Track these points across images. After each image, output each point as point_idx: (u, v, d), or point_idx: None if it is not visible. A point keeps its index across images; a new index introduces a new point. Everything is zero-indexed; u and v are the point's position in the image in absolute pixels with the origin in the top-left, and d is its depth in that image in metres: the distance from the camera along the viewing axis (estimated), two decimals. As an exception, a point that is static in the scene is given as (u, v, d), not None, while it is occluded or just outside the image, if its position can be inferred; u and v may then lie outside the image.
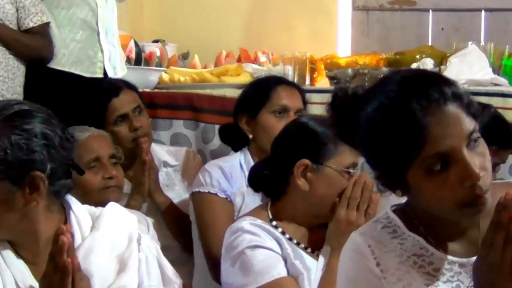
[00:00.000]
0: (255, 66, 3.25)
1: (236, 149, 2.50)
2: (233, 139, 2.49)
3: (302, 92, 2.47)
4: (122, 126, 2.48)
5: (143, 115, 2.55)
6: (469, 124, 1.19)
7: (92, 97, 2.54)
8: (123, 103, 2.50)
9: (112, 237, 1.45)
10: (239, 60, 3.42)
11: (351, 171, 1.82)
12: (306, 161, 1.83)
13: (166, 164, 2.64)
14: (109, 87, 2.55)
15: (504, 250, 1.12)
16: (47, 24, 2.71)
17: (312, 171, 1.83)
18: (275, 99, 2.37)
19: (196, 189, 2.38)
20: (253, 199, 2.21)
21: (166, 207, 2.51)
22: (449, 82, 1.22)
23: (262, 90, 2.41)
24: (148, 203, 2.52)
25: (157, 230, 2.31)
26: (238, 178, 2.36)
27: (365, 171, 1.83)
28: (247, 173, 2.29)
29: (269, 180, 1.91)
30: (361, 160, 1.33)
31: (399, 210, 1.32)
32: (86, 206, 1.51)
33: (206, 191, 2.35)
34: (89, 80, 2.77)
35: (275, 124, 2.32)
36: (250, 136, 2.42)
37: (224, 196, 2.35)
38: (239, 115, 2.43)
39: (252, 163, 2.36)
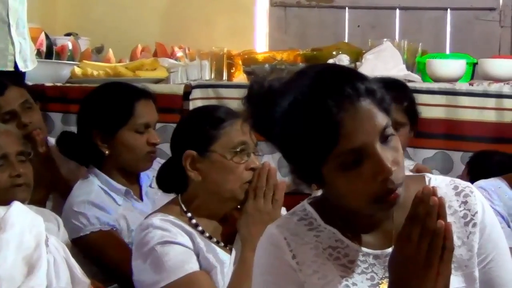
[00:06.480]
0: (171, 61, 3.23)
1: (85, 164, 2.36)
2: (82, 153, 2.34)
3: (155, 100, 2.35)
4: (10, 123, 2.35)
5: (34, 109, 2.46)
6: (381, 119, 1.19)
7: None
8: (9, 100, 2.39)
9: (19, 239, 1.41)
10: (155, 54, 3.38)
11: (237, 150, 1.81)
12: (191, 152, 1.83)
13: None
14: None
15: (420, 243, 1.14)
16: None
17: (200, 160, 1.83)
18: (136, 118, 2.25)
19: (76, 236, 2.19)
20: (138, 216, 2.13)
21: None
22: (362, 78, 1.22)
23: (121, 108, 2.26)
24: (53, 201, 2.44)
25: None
26: (108, 203, 2.25)
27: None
28: (112, 194, 2.26)
29: (171, 179, 1.90)
30: (278, 155, 1.33)
31: (315, 203, 1.32)
32: (-11, 206, 1.44)
33: (88, 232, 2.19)
34: None
35: (137, 141, 2.24)
36: (107, 152, 2.28)
37: (108, 229, 2.21)
38: (92, 131, 2.28)
39: (111, 182, 2.27)
